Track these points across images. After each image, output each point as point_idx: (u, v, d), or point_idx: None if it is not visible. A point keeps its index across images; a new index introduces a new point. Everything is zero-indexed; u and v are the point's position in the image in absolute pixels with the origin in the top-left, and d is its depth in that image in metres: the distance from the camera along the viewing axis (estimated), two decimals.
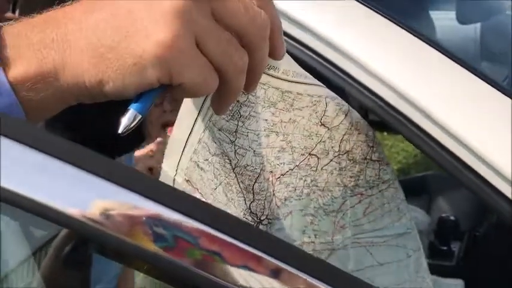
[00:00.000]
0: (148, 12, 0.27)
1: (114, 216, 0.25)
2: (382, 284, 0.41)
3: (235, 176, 0.39)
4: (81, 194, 0.25)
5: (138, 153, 0.91)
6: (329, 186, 0.39)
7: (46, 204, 0.24)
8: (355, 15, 0.53)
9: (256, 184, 0.39)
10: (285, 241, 0.27)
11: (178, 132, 0.43)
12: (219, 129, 0.39)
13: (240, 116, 0.38)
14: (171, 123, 0.92)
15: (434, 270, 1.03)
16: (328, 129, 0.39)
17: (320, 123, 0.39)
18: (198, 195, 0.42)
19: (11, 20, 0.87)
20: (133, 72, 0.27)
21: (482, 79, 0.48)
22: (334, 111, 0.39)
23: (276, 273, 0.26)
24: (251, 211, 0.40)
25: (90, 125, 0.96)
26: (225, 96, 0.30)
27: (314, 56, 0.52)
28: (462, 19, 1.04)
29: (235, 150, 0.39)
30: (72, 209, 0.24)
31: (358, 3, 0.53)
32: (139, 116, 0.28)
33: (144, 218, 0.25)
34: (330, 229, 0.40)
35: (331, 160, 0.39)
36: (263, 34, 0.29)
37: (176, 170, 0.43)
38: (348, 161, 0.39)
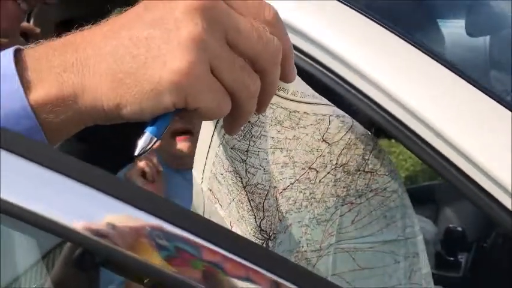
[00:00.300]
0: (165, 40, 0.28)
1: (120, 228, 0.26)
2: (363, 286, 0.42)
3: (246, 194, 0.41)
4: (90, 210, 0.26)
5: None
6: (324, 198, 0.41)
7: (55, 220, 0.25)
8: (366, 32, 0.54)
9: (266, 201, 0.41)
10: (284, 257, 0.28)
11: (201, 140, 0.45)
12: (231, 148, 0.41)
13: (252, 135, 0.40)
14: (180, 131, 0.94)
15: (441, 281, 1.03)
16: (329, 144, 0.41)
17: (322, 140, 0.41)
18: (218, 206, 0.43)
19: (27, 29, 0.89)
20: (151, 97, 0.28)
21: (482, 91, 0.49)
22: (336, 128, 0.41)
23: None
24: (261, 229, 0.41)
25: (102, 139, 0.98)
26: (237, 119, 0.31)
27: (322, 69, 0.53)
28: (471, 31, 1.04)
29: (246, 169, 0.41)
30: (79, 224, 0.25)
31: (367, 18, 0.54)
32: (155, 139, 0.29)
33: (148, 230, 0.26)
34: (320, 237, 0.41)
35: (328, 173, 0.41)
36: (275, 60, 0.30)
37: (202, 178, 0.45)
38: (342, 173, 0.41)
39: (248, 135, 0.40)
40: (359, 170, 0.42)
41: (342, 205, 0.42)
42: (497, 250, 1.10)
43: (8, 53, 0.28)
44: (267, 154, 0.40)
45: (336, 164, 0.41)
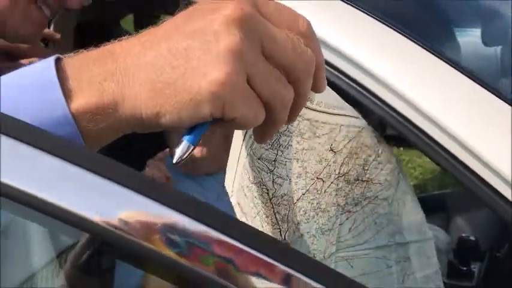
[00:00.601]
0: (205, 51, 0.28)
1: (136, 223, 0.26)
2: None
3: (272, 206, 0.42)
4: (109, 204, 0.26)
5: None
6: (327, 207, 0.42)
7: (76, 213, 0.26)
8: (381, 36, 0.54)
9: (290, 212, 0.41)
10: (298, 250, 0.28)
11: (232, 152, 0.45)
12: (259, 158, 0.41)
13: (280, 145, 0.41)
14: None
15: None
16: (335, 153, 0.41)
17: (330, 149, 0.41)
18: (245, 220, 0.44)
19: (47, 35, 0.90)
20: (189, 107, 0.29)
21: (495, 95, 0.49)
22: (342, 137, 0.42)
23: (287, 281, 0.26)
24: (286, 241, 0.42)
25: (139, 147, 0.99)
26: (269, 128, 0.32)
27: (337, 73, 0.53)
28: (487, 41, 1.04)
29: (274, 180, 0.41)
30: (98, 217, 0.26)
31: (383, 25, 0.54)
32: (192, 147, 0.30)
33: (162, 226, 0.26)
34: (324, 247, 0.42)
35: (332, 182, 0.42)
36: (309, 70, 0.31)
37: (232, 191, 0.45)
38: (343, 182, 0.42)
39: (276, 145, 0.41)
40: (357, 179, 0.43)
41: (342, 214, 0.44)
42: (511, 259, 1.08)
43: (49, 62, 0.29)
44: (291, 164, 0.41)
45: (339, 173, 0.42)
